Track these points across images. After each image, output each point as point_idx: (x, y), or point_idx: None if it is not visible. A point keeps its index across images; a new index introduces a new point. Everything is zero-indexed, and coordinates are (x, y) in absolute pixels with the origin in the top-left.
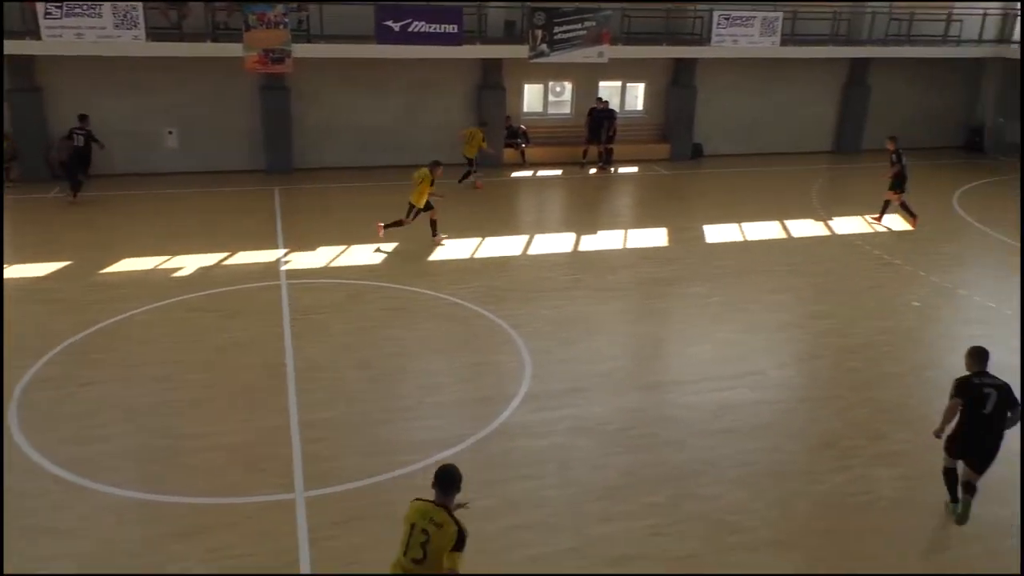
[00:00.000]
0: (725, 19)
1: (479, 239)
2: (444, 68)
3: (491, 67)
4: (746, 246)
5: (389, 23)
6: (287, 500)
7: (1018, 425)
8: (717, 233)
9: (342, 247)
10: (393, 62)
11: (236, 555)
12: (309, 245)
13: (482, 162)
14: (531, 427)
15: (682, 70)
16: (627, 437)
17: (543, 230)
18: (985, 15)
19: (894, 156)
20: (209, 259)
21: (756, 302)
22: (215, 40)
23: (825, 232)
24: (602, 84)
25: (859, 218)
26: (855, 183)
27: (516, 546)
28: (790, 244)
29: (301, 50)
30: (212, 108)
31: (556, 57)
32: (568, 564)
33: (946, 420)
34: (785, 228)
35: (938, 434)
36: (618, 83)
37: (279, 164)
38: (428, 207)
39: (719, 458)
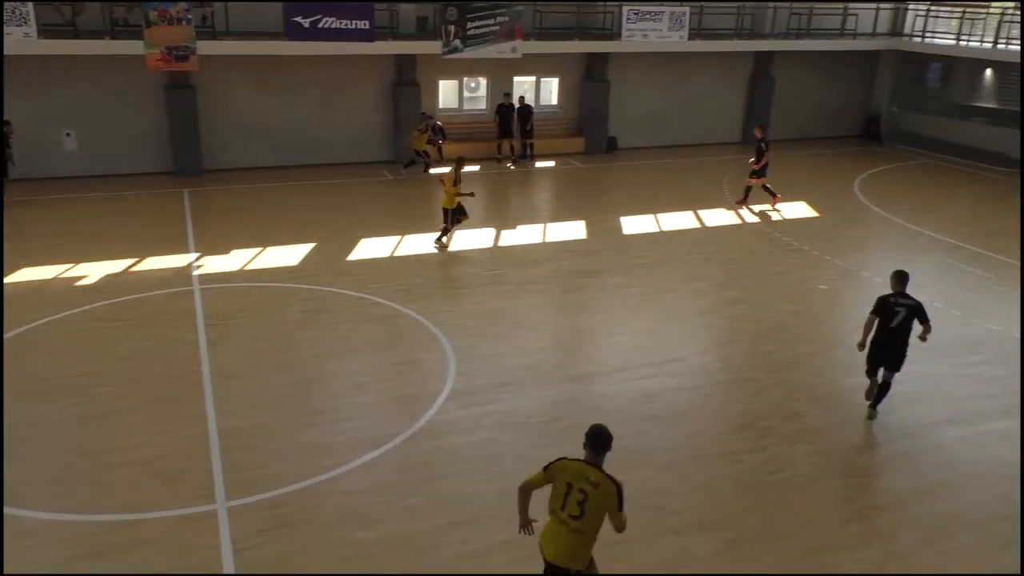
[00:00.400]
0: (635, 14)
1: (398, 237)
2: (357, 65)
3: (405, 63)
4: (661, 236)
5: (298, 19)
6: (208, 512)
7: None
8: (633, 224)
9: (257, 249)
10: (304, 59)
11: (157, 572)
12: (222, 248)
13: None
14: (458, 423)
15: (594, 65)
16: (554, 429)
17: (462, 226)
18: (878, 9)
19: (762, 144)
20: (115, 266)
21: (673, 291)
22: (113, 37)
23: (736, 221)
24: (516, 79)
25: (768, 206)
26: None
27: (448, 543)
28: (703, 233)
29: (206, 47)
30: (113, 109)
31: (470, 53)
32: (501, 558)
33: (865, 332)
34: (698, 218)
35: (861, 346)
36: (532, 78)
37: (187, 166)
38: (461, 210)
39: (644, 444)
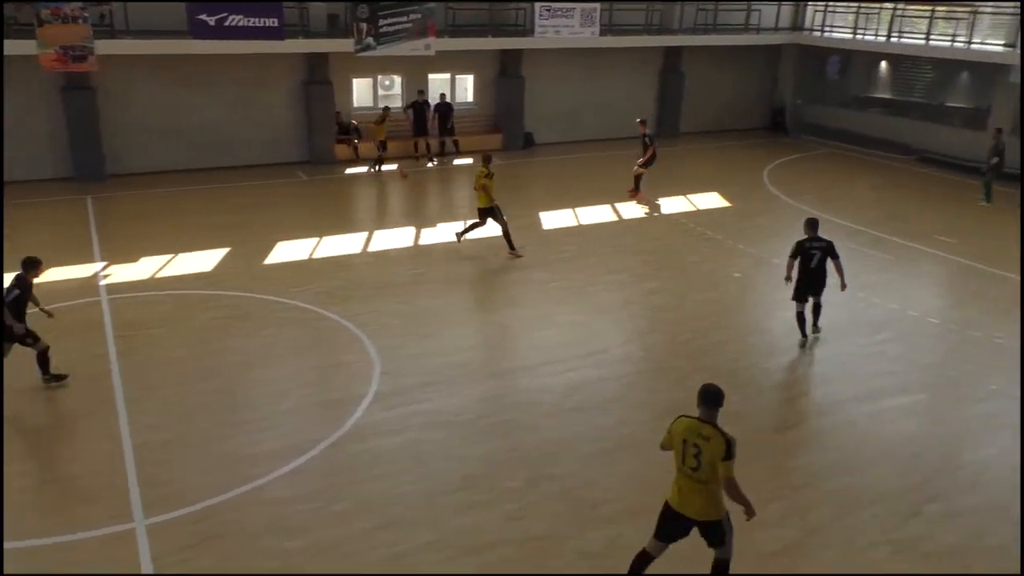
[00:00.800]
0: (547, 11)
1: (316, 239)
2: (268, 64)
3: (317, 62)
4: (581, 230)
5: (203, 17)
6: (126, 531)
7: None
8: (553, 219)
9: (168, 256)
10: (213, 58)
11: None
12: (130, 256)
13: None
14: (384, 425)
15: (509, 61)
16: (481, 426)
17: (382, 226)
18: (780, 5)
19: (646, 139)
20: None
21: (594, 284)
22: (3, 37)
23: (652, 212)
24: (431, 77)
25: (682, 198)
26: (677, 165)
27: (374, 547)
28: (621, 226)
29: (105, 47)
30: (5, 111)
31: (383, 50)
32: (428, 559)
33: (788, 270)
34: (615, 211)
35: (787, 279)
36: (447, 75)
37: (89, 170)
38: (493, 212)
39: (572, 437)
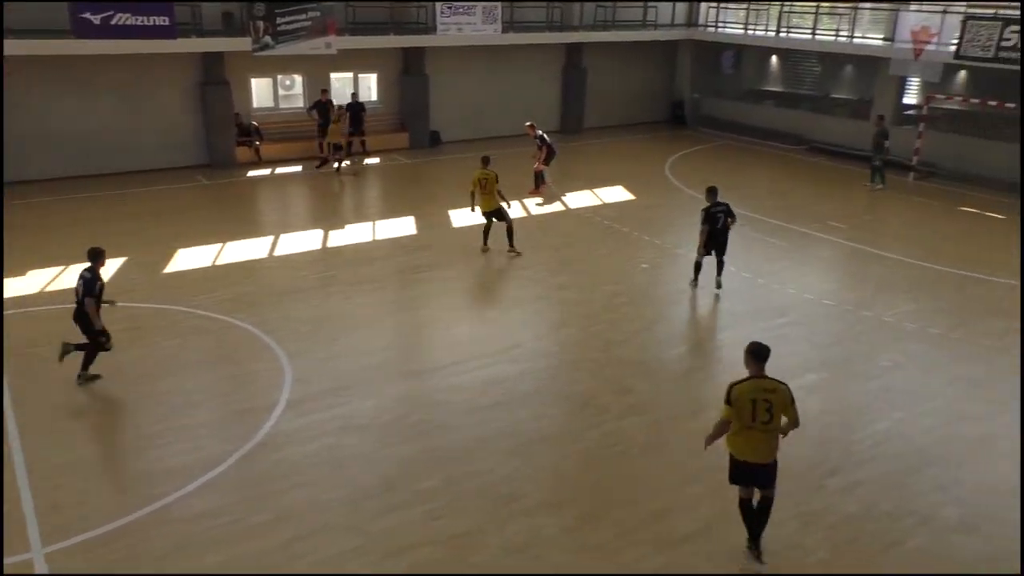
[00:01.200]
0: (448, 8)
1: (220, 244)
2: (160, 64)
3: (212, 61)
4: (492, 227)
5: (87, 15)
6: (23, 561)
7: None
8: (462, 217)
9: (60, 268)
10: (101, 59)
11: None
12: (17, 270)
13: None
14: (299, 433)
15: (412, 59)
16: (399, 427)
17: (288, 229)
18: (675, 3)
19: (538, 140)
20: None
21: (507, 280)
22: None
23: (560, 208)
24: (333, 76)
25: (589, 192)
26: (582, 160)
27: (297, 557)
28: (531, 221)
29: None
30: None
31: (282, 49)
32: (351, 564)
33: (701, 240)
34: (524, 206)
35: (701, 246)
36: (349, 74)
37: None
38: (498, 212)
39: (489, 433)
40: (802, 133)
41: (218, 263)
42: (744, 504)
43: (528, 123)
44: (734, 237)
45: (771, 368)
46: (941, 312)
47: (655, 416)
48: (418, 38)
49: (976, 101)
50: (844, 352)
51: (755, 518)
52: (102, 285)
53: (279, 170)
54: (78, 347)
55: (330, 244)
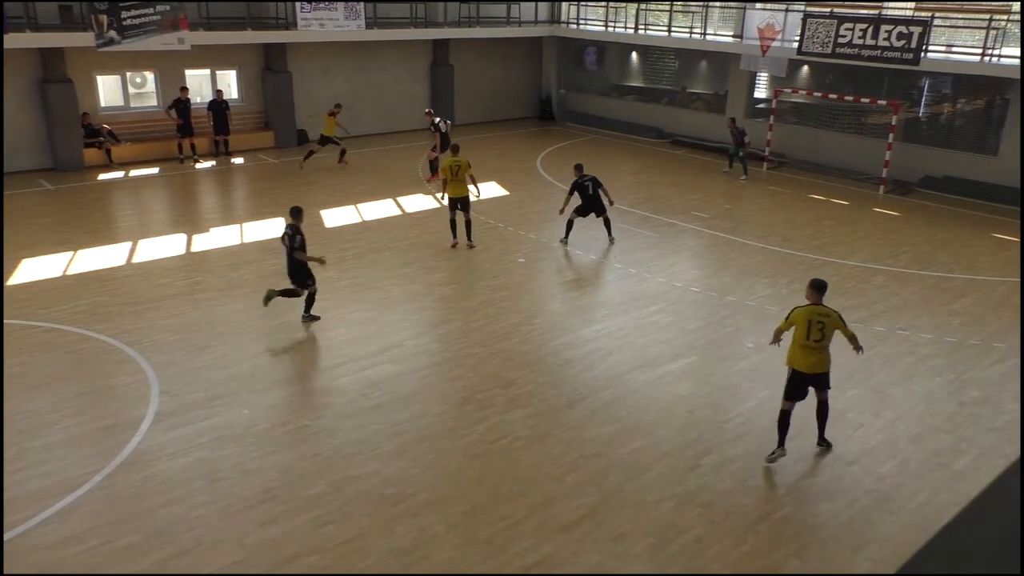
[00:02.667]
0: (308, 3)
1: (70, 253)
2: None
3: (51, 58)
4: (365, 226)
5: None
6: None
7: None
8: (335, 217)
9: None
10: None
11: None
12: None
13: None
14: (169, 447)
15: (273, 55)
16: (278, 434)
17: (148, 234)
18: (538, 1)
19: (432, 127)
20: None
21: (384, 279)
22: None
23: (435, 205)
24: (188, 72)
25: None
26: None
27: None
28: (406, 220)
29: None
30: None
31: (129, 44)
32: None
33: (565, 203)
34: (399, 205)
35: (561, 211)
36: (206, 71)
37: None
38: (464, 200)
39: (372, 435)
40: (663, 127)
41: (69, 273)
42: (784, 415)
43: (427, 110)
44: (602, 231)
45: (642, 355)
46: (797, 294)
47: (537, 408)
48: (278, 34)
49: (818, 94)
50: (711, 336)
51: (818, 419)
52: (303, 238)
53: (134, 172)
54: (281, 293)
55: (195, 249)
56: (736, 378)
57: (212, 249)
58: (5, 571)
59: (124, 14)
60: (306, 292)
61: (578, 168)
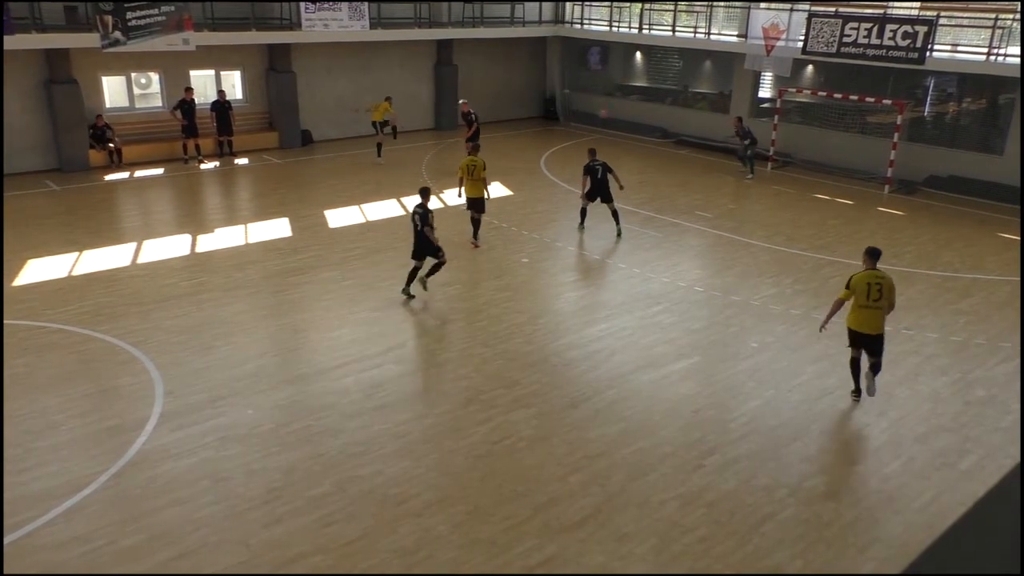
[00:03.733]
0: (313, 4)
1: (76, 254)
2: None
3: (57, 58)
4: (369, 227)
5: None
6: None
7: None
8: (339, 217)
9: None
10: None
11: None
12: None
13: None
14: (174, 447)
15: (278, 56)
16: (282, 435)
17: (153, 235)
18: (542, 1)
19: (464, 118)
20: None
21: (388, 279)
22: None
23: (439, 204)
24: (193, 73)
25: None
26: (459, 157)
27: None
28: (407, 220)
29: None
30: None
31: (135, 45)
32: None
33: (583, 186)
34: (402, 205)
35: (583, 193)
36: (211, 72)
37: None
38: (480, 202)
39: (376, 435)
40: (668, 127)
41: (75, 274)
42: (854, 361)
43: (462, 100)
44: (607, 232)
45: (646, 355)
46: (801, 294)
47: (541, 408)
48: (282, 34)
49: (823, 94)
50: (716, 336)
51: (870, 374)
52: (432, 215)
53: (139, 173)
54: (430, 273)
55: (199, 249)
56: (740, 378)
57: (217, 250)
58: (7, 571)
59: (129, 15)
60: (438, 261)
61: (591, 152)
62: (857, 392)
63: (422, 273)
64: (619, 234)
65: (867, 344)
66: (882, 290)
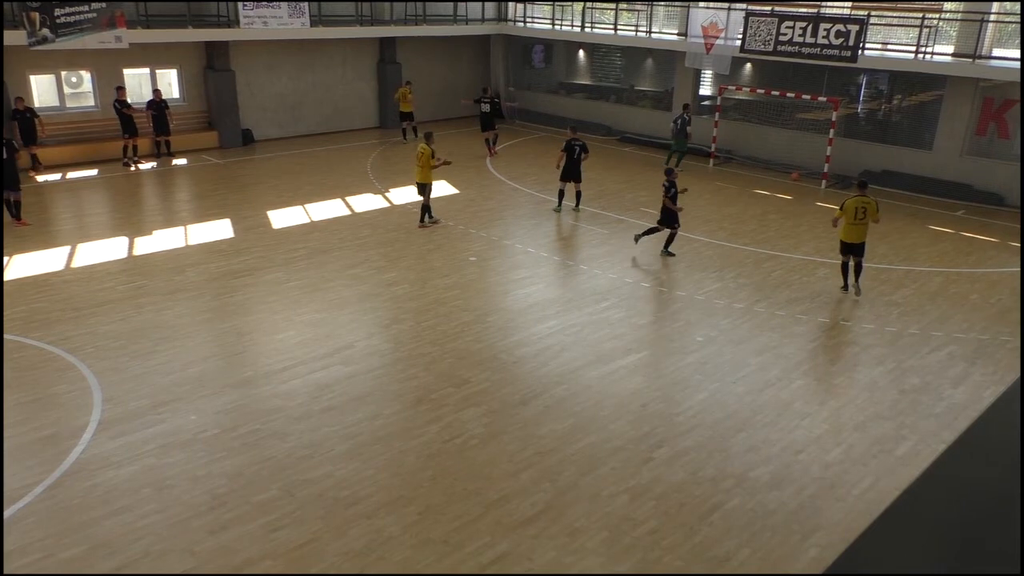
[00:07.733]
0: (251, 1)
1: (5, 258)
2: None
3: None
4: (314, 227)
5: None
6: None
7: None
8: (283, 218)
9: None
10: None
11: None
12: None
13: None
14: (114, 456)
15: (216, 54)
16: (227, 440)
17: (87, 238)
18: (484, 1)
19: (480, 101)
20: None
21: (334, 279)
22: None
23: (385, 204)
24: (127, 72)
25: (414, 187)
26: (403, 155)
27: None
28: (355, 219)
29: None
30: None
31: (64, 43)
32: None
33: (558, 161)
34: (348, 204)
35: (558, 166)
36: (146, 70)
37: None
38: (422, 187)
39: (324, 438)
40: (611, 124)
41: (4, 279)
42: (844, 265)
43: (484, 87)
44: (553, 229)
45: (595, 350)
46: (744, 288)
47: (491, 406)
48: (220, 31)
49: (762, 91)
50: (662, 331)
51: (855, 273)
52: (676, 191)
53: (71, 175)
54: (647, 232)
55: (137, 252)
56: (687, 371)
57: (155, 252)
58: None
59: (58, 11)
60: (672, 231)
61: (573, 128)
62: (845, 287)
63: (639, 233)
64: (577, 210)
65: (853, 250)
66: (866, 211)
